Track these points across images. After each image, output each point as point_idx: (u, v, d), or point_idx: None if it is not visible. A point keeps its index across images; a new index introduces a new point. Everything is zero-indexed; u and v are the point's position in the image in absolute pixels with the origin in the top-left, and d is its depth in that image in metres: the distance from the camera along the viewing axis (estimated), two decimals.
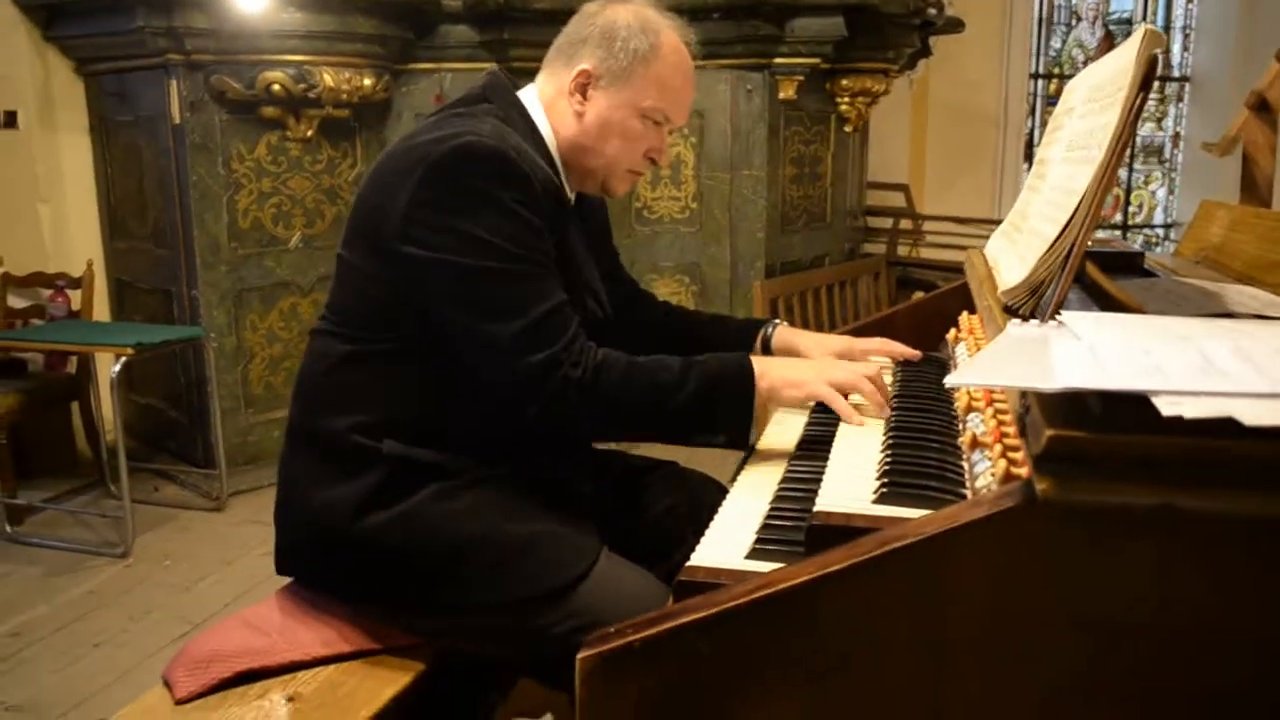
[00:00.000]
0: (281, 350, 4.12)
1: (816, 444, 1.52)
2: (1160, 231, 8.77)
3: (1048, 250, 1.03)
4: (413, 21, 3.99)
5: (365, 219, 1.47)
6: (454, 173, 1.37)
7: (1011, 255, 1.36)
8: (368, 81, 3.85)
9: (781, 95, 4.60)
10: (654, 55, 1.53)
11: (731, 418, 1.44)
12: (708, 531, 1.26)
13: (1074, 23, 8.37)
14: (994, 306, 1.32)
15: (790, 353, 1.77)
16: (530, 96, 1.58)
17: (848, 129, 5.14)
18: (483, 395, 1.45)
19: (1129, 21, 8.39)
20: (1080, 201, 1.01)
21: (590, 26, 1.55)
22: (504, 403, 1.43)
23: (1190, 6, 8.34)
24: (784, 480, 1.41)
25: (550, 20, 4.02)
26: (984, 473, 1.14)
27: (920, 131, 7.24)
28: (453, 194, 1.37)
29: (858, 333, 2.07)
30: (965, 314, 1.89)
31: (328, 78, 3.72)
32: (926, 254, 6.42)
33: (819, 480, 1.37)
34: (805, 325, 4.86)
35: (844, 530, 1.05)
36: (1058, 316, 1.01)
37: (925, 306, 2.09)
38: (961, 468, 1.24)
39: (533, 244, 1.40)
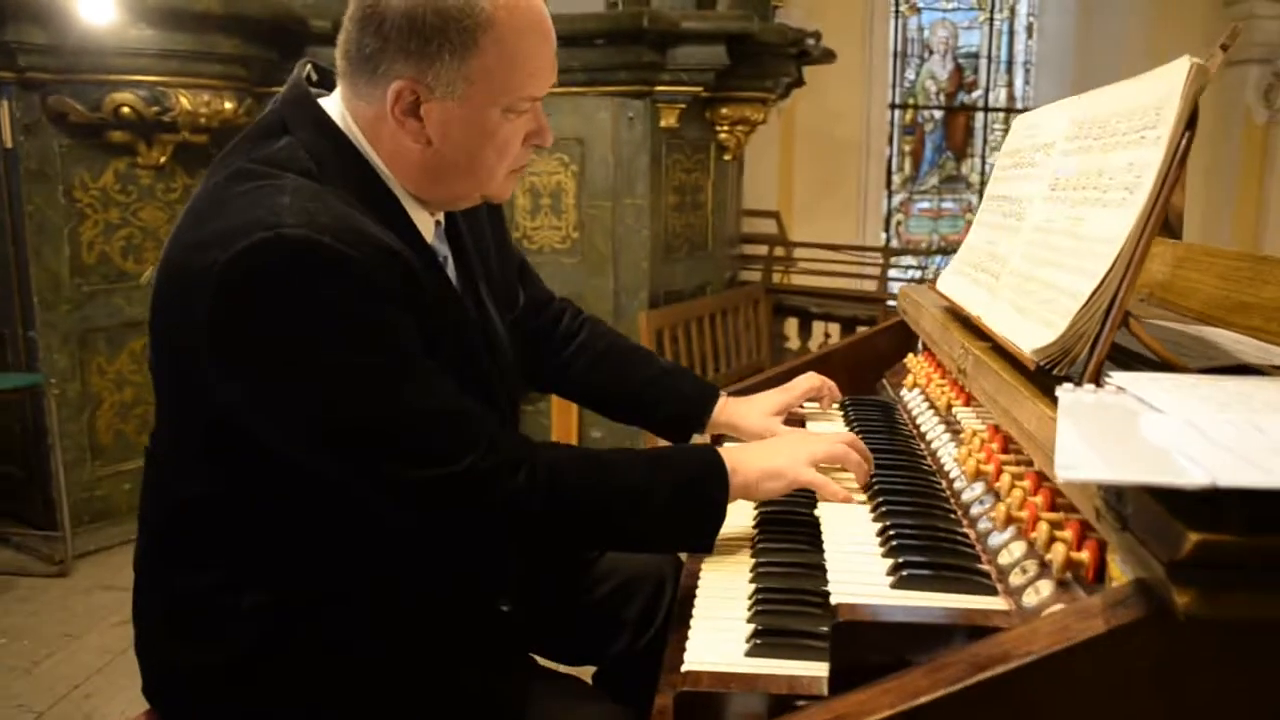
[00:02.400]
0: (133, 395, 3.74)
1: (781, 507, 1.39)
2: None
3: (1085, 304, 0.93)
4: (277, 42, 3.71)
5: (163, 335, 1.19)
6: (256, 286, 1.04)
7: (1001, 302, 1.26)
8: (229, 105, 3.55)
9: (663, 123, 4.52)
10: (485, 31, 1.13)
11: (705, 523, 1.24)
12: (693, 624, 1.11)
13: (926, 56, 8.69)
14: (984, 356, 1.22)
15: (729, 427, 1.60)
16: (339, 112, 1.20)
17: (727, 157, 5.11)
18: (376, 526, 1.19)
19: (976, 55, 8.77)
20: (1120, 250, 0.92)
21: (380, 24, 1.12)
22: (409, 533, 1.20)
23: (1030, 43, 8.80)
24: (758, 553, 1.27)
25: None
26: (1004, 546, 1.04)
27: (788, 159, 7.34)
28: (261, 314, 1.05)
29: (790, 375, 1.97)
30: (912, 356, 1.81)
31: (184, 100, 3.41)
32: (798, 280, 6.47)
33: (799, 551, 1.26)
34: (689, 356, 4.78)
35: (874, 626, 0.92)
36: (1108, 379, 0.91)
37: (859, 347, 2.01)
38: (967, 535, 1.13)
39: (382, 341, 1.09)
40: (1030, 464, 1.08)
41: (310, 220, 1.06)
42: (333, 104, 1.21)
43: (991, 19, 8.76)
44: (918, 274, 8.12)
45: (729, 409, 1.60)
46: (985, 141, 8.97)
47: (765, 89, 4.92)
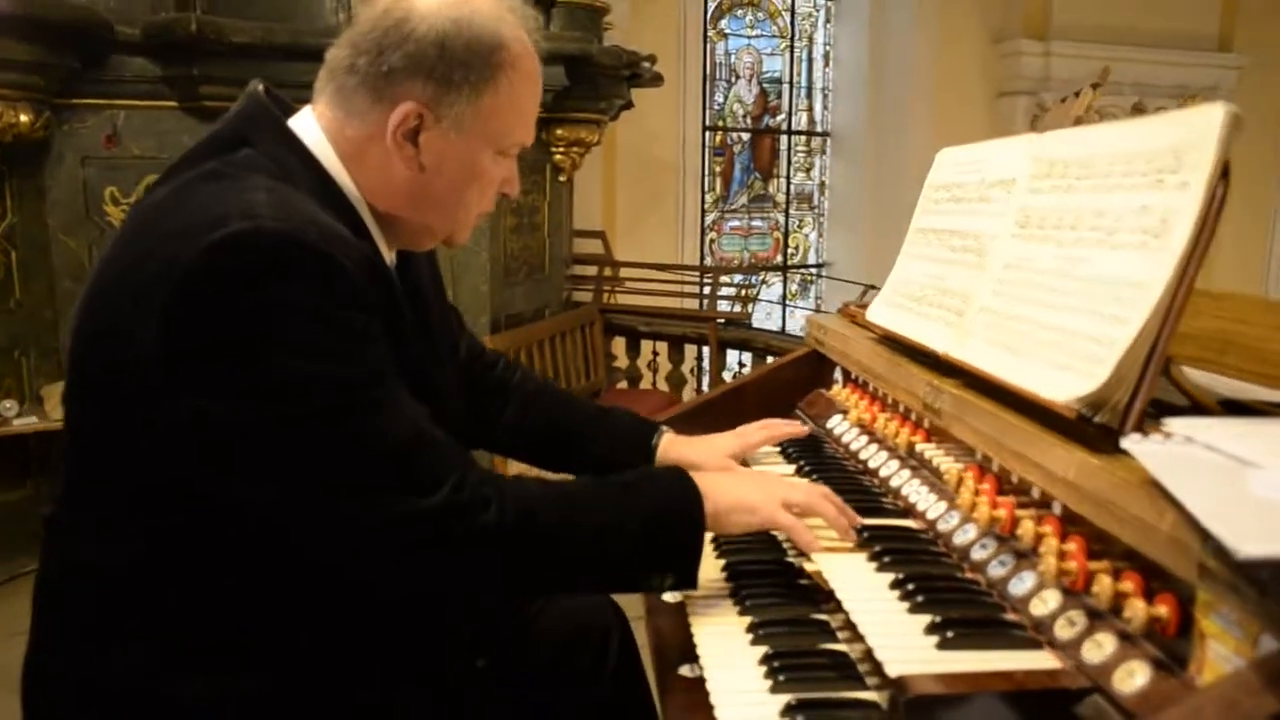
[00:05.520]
0: None
1: (750, 557, 1.33)
2: (815, 270, 9.59)
3: (1128, 351, 0.92)
4: (80, 49, 3.32)
5: (94, 360, 1.05)
6: (225, 280, 0.95)
7: (974, 340, 1.25)
8: (24, 118, 3.13)
9: None
10: (503, 72, 1.14)
11: (684, 554, 1.16)
12: (715, 700, 1.03)
13: (734, 80, 8.95)
14: (968, 396, 1.21)
15: (682, 466, 1.47)
16: (311, 133, 1.15)
17: (561, 178, 5.05)
18: (333, 586, 1.08)
19: (779, 81, 9.13)
20: (1160, 296, 0.91)
21: (404, 42, 1.11)
22: (368, 590, 1.09)
23: (828, 71, 9.25)
24: (750, 610, 1.20)
25: (249, 55, 3.53)
26: (1033, 594, 1.01)
27: (611, 179, 7.35)
28: (229, 313, 0.96)
29: (706, 407, 1.92)
30: (838, 388, 1.80)
31: None
32: (624, 299, 6.49)
33: (790, 605, 1.21)
34: None
35: (947, 700, 0.87)
36: (1162, 427, 0.90)
37: (770, 379, 1.98)
38: (978, 582, 1.11)
39: (362, 356, 1.02)
40: (1045, 507, 1.06)
41: (292, 217, 0.99)
42: (300, 123, 1.15)
43: (792, 47, 9.13)
44: (731, 291, 8.35)
45: (679, 446, 1.53)
46: (789, 163, 9.35)
47: (600, 110, 4.91)
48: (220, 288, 0.95)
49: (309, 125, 1.16)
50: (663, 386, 5.79)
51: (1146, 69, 8.33)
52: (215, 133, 1.14)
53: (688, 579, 1.18)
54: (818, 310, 9.14)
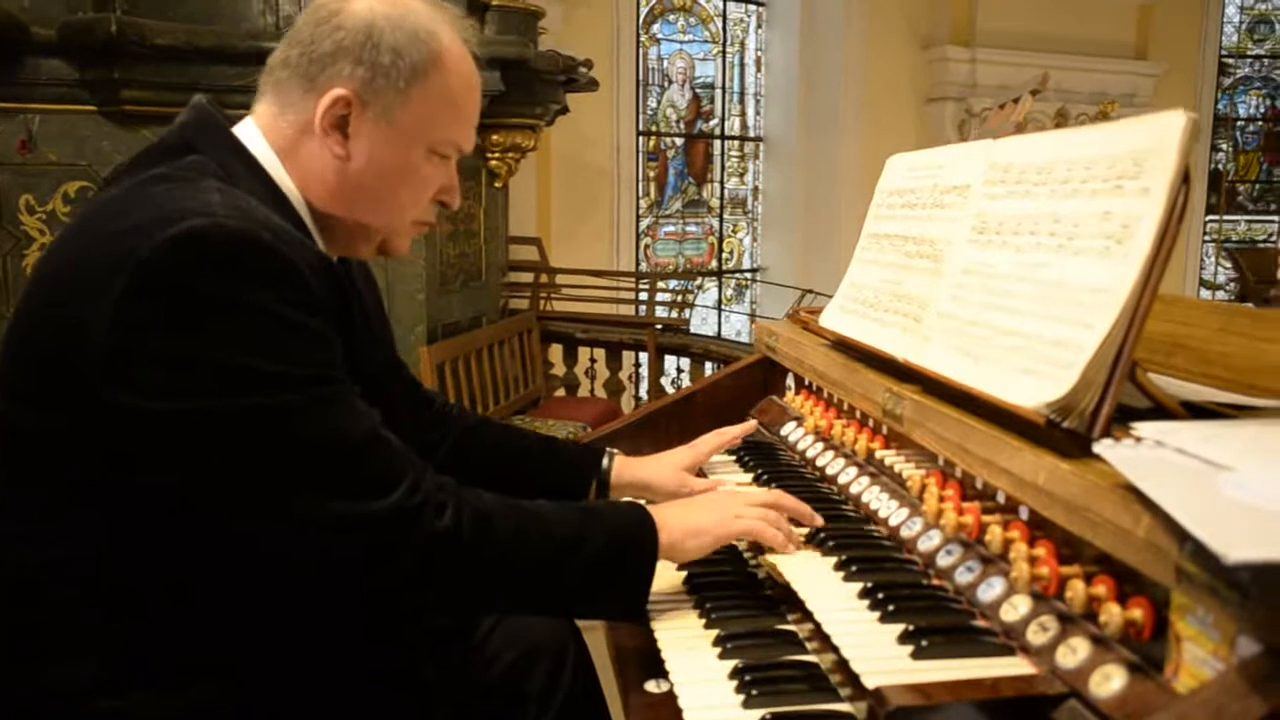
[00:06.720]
0: None
1: (710, 569, 1.31)
2: (749, 275, 9.66)
3: (1095, 356, 0.92)
4: None
5: (36, 352, 1.02)
6: (181, 275, 0.95)
7: (934, 346, 1.25)
8: None
9: None
10: (436, 66, 1.13)
11: (634, 585, 1.16)
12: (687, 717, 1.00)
13: (667, 85, 8.98)
14: (928, 401, 1.21)
15: (637, 487, 1.51)
16: (253, 138, 1.15)
17: (497, 184, 5.00)
18: (280, 594, 1.06)
19: (712, 86, 9.18)
20: (1126, 301, 0.92)
21: (335, 30, 1.12)
22: (316, 596, 1.06)
23: (760, 76, 9.33)
24: (715, 623, 1.18)
25: (173, 58, 3.41)
26: (1002, 600, 1.01)
27: (546, 185, 7.31)
28: (184, 307, 0.95)
29: (656, 416, 1.91)
30: (791, 395, 1.79)
31: None
32: (560, 306, 6.45)
33: (755, 618, 1.19)
34: (470, 390, 4.60)
35: (927, 711, 0.86)
36: (1133, 432, 0.91)
37: (720, 387, 1.97)
38: (945, 589, 1.10)
39: (317, 357, 1.02)
40: (1012, 512, 1.06)
41: (247, 216, 0.99)
42: (243, 130, 1.16)
43: (724, 52, 9.19)
44: (667, 296, 8.36)
45: (634, 467, 1.50)
46: (723, 167, 9.41)
47: (536, 115, 4.87)
48: (177, 281, 0.95)
49: (250, 131, 1.16)
50: (601, 394, 5.75)
51: (1068, 75, 8.56)
52: (160, 141, 1.13)
53: (635, 612, 1.18)
54: (753, 315, 9.21)
